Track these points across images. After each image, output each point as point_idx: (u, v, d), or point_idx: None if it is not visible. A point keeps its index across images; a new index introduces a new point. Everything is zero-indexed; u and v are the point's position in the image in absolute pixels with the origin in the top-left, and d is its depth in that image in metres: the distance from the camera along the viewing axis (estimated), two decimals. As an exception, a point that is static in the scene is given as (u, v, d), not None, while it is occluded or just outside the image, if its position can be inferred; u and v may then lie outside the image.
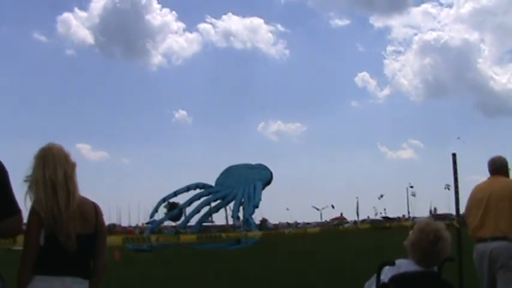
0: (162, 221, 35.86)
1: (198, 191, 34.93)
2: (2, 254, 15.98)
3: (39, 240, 2.71)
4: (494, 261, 4.80)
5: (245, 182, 33.65)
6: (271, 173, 35.73)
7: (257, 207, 31.85)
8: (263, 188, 34.20)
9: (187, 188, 34.66)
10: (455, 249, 6.58)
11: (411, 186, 75.53)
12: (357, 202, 75.70)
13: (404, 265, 2.90)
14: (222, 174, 36.37)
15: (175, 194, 34.63)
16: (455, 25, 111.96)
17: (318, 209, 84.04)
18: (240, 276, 13.24)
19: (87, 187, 3.07)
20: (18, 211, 2.79)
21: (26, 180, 2.80)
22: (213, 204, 34.62)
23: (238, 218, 32.41)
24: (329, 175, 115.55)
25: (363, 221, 72.80)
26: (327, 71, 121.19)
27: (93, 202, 2.95)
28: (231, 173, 35.75)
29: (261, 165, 36.85)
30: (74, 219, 2.76)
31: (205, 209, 34.44)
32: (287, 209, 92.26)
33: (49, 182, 2.76)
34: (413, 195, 75.84)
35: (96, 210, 2.93)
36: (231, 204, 33.79)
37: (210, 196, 34.18)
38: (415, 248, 2.92)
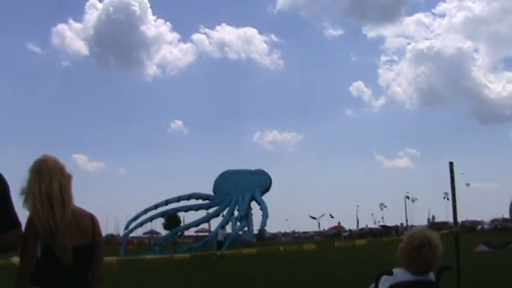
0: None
1: (192, 201, 34.65)
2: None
3: (36, 252, 2.70)
4: None
5: (243, 188, 33.55)
6: (270, 179, 35.68)
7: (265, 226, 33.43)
8: (262, 195, 34.28)
9: (178, 199, 34.25)
10: (453, 257, 6.58)
11: (408, 197, 75.06)
12: (357, 211, 75.49)
13: (400, 274, 2.89)
14: (219, 177, 35.92)
15: (156, 206, 33.82)
16: (449, 34, 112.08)
17: (315, 218, 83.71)
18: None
19: (83, 198, 3.07)
20: (17, 225, 2.76)
21: (22, 194, 2.78)
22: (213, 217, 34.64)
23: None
24: (325, 184, 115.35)
25: (361, 229, 72.60)
26: (321, 81, 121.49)
27: (90, 213, 2.95)
28: (228, 179, 35.48)
29: (260, 170, 36.75)
30: (70, 231, 2.75)
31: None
32: (286, 220, 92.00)
33: (45, 196, 2.74)
34: (413, 200, 75.37)
35: (93, 221, 2.92)
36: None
37: (211, 211, 33.96)
38: (401, 253, 2.92)
